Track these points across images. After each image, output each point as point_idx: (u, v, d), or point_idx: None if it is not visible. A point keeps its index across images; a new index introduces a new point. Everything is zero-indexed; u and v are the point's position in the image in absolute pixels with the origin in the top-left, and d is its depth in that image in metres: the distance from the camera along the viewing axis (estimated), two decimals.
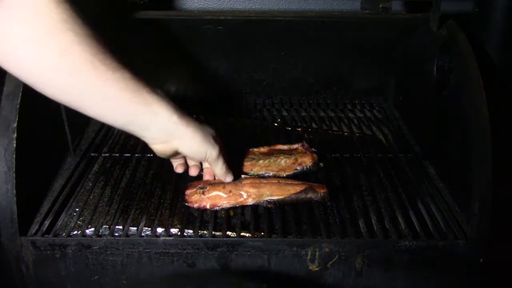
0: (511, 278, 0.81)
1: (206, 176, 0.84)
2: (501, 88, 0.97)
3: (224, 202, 0.81)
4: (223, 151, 0.78)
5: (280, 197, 0.80)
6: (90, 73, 0.60)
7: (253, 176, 0.86)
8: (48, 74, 0.59)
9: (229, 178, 0.82)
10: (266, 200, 0.80)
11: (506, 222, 0.80)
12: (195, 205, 0.81)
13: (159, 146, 0.72)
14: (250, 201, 0.81)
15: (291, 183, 0.83)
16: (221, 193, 0.81)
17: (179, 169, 0.83)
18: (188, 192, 0.83)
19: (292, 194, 0.80)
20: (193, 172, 0.83)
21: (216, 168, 0.80)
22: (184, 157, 0.82)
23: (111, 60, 0.61)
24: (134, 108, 0.65)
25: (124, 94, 0.63)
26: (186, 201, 0.82)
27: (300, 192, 0.80)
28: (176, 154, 0.76)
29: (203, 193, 0.81)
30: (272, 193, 0.81)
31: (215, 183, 0.82)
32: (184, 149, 0.73)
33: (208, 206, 0.81)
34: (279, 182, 0.83)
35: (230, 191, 0.81)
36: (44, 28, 0.56)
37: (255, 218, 0.80)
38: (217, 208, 0.81)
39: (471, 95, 0.79)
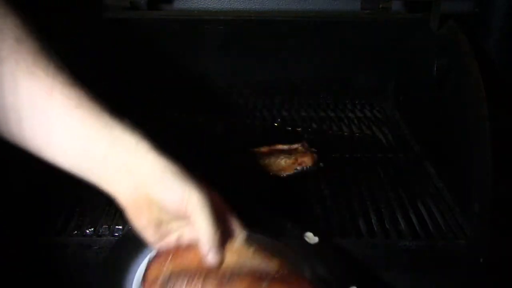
0: (511, 278, 0.81)
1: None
2: (501, 88, 0.97)
3: None
4: (216, 201, 0.53)
5: None
6: (30, 84, 0.47)
7: (251, 271, 0.53)
8: None
9: (211, 255, 0.52)
10: None
11: (506, 222, 0.79)
12: None
13: (126, 198, 0.52)
14: None
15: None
16: None
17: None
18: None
19: None
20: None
21: (201, 223, 0.51)
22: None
23: (57, 68, 0.48)
24: (85, 132, 0.49)
25: (73, 111, 0.48)
26: None
27: None
28: (151, 213, 0.52)
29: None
30: None
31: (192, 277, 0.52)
32: (157, 197, 0.51)
33: None
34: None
35: None
36: None
37: None
38: None
39: (471, 95, 0.79)
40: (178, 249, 0.55)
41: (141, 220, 0.52)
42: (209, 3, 1.11)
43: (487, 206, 0.75)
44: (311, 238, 0.68)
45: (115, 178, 0.51)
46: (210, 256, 0.52)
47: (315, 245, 0.67)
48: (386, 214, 0.81)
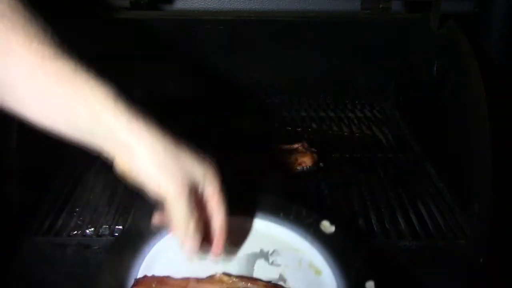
0: (511, 278, 0.81)
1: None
2: (501, 88, 0.97)
3: None
4: (199, 196, 0.54)
5: None
6: (22, 59, 0.48)
7: (230, 278, 0.59)
8: None
9: (188, 242, 0.53)
10: None
11: (506, 222, 0.79)
12: None
13: (119, 164, 0.53)
14: None
15: None
16: None
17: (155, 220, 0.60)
18: None
19: None
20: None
21: (174, 212, 0.52)
22: None
23: (45, 42, 0.49)
24: (69, 104, 0.49)
25: (55, 85, 0.49)
26: None
27: None
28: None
29: None
30: None
31: None
32: (133, 168, 0.52)
33: None
34: None
35: None
36: None
37: None
38: None
39: (471, 95, 0.79)
40: (160, 280, 0.58)
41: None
42: (209, 3, 1.11)
43: (487, 206, 0.75)
44: (327, 227, 0.66)
45: (108, 153, 0.52)
46: (185, 245, 0.53)
47: (330, 234, 0.66)
48: (386, 214, 0.81)
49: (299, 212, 0.69)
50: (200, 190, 0.55)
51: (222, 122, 1.14)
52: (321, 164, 0.90)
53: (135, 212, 0.80)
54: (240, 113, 1.17)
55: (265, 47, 1.13)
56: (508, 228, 0.80)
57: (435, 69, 0.93)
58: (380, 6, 1.00)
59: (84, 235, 0.76)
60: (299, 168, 0.89)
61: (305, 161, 0.89)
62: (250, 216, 0.69)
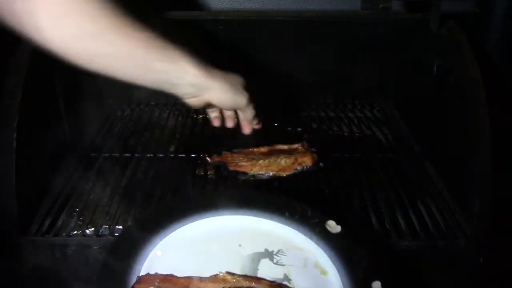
0: (511, 278, 0.81)
1: (245, 129, 0.85)
2: (501, 88, 0.97)
3: None
4: (252, 98, 0.80)
5: None
6: (119, 36, 0.62)
7: (234, 277, 0.60)
8: (83, 42, 0.61)
9: (255, 125, 0.85)
10: None
11: (506, 222, 0.79)
12: None
13: (192, 100, 0.74)
14: None
15: None
16: None
17: (215, 123, 0.86)
18: None
19: None
20: (229, 123, 0.86)
21: (246, 115, 0.82)
22: (219, 108, 0.84)
23: (134, 22, 0.63)
24: (163, 66, 0.67)
25: (151, 54, 0.65)
26: None
27: None
28: (209, 105, 0.78)
29: None
30: None
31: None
32: (214, 100, 0.75)
33: None
34: None
35: None
36: (76, 1, 0.59)
37: None
38: None
39: (471, 95, 0.79)
40: (163, 279, 0.59)
41: (201, 107, 0.78)
42: (210, 3, 1.11)
43: (487, 206, 0.75)
44: (333, 227, 0.66)
45: (185, 93, 0.73)
46: (249, 129, 0.85)
47: (336, 234, 0.65)
48: (386, 214, 0.81)
49: (304, 212, 0.68)
50: None
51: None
52: (321, 164, 0.90)
53: (137, 211, 0.80)
54: None
55: (265, 47, 1.13)
56: (508, 228, 0.80)
57: (435, 69, 0.93)
58: (380, 6, 1.00)
59: (84, 235, 0.76)
60: (299, 168, 0.89)
61: (305, 161, 0.89)
62: (256, 215, 0.69)
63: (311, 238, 0.65)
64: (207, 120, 1.14)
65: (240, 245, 0.65)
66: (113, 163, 0.96)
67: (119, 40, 0.62)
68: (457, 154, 0.86)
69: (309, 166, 0.89)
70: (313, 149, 0.93)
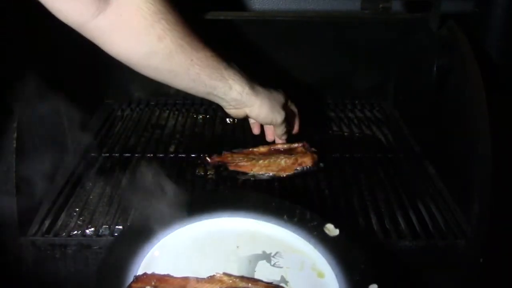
0: (511, 278, 0.81)
1: (268, 134, 0.94)
2: (501, 88, 0.97)
3: None
4: (291, 116, 0.91)
5: None
6: (179, 54, 0.70)
7: (230, 278, 0.60)
8: (148, 58, 0.70)
9: (284, 137, 0.93)
10: None
11: (506, 222, 0.79)
12: None
13: (233, 110, 0.84)
14: None
15: None
16: None
17: (255, 130, 0.94)
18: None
19: None
20: (269, 136, 0.94)
21: (277, 130, 0.91)
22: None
23: (197, 41, 0.73)
24: (212, 83, 0.76)
25: (205, 72, 0.74)
26: None
27: None
28: (248, 116, 0.87)
29: None
30: None
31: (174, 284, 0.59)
32: (253, 115, 0.85)
33: None
34: None
35: None
36: (145, 20, 0.67)
37: None
38: None
39: (471, 95, 0.79)
40: (160, 278, 0.59)
41: (240, 118, 0.87)
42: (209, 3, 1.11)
43: (487, 206, 0.75)
44: (331, 230, 0.66)
45: (229, 105, 0.82)
46: (281, 140, 0.94)
47: (334, 237, 0.65)
48: (386, 214, 0.81)
49: (303, 214, 0.69)
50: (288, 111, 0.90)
51: (221, 121, 1.14)
52: (321, 164, 0.90)
53: (136, 211, 0.80)
54: None
55: (265, 47, 1.13)
56: (508, 228, 0.80)
57: (435, 69, 0.93)
58: (380, 6, 1.00)
59: (84, 235, 0.76)
60: (299, 168, 0.89)
61: (305, 161, 0.89)
62: (254, 218, 0.69)
63: (309, 241, 0.65)
64: (207, 120, 1.15)
65: (238, 246, 0.65)
66: (113, 163, 0.96)
67: (180, 58, 0.71)
68: (457, 154, 0.86)
69: (309, 167, 0.89)
70: (313, 149, 0.93)
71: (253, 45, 1.12)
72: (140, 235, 0.65)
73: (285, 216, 0.68)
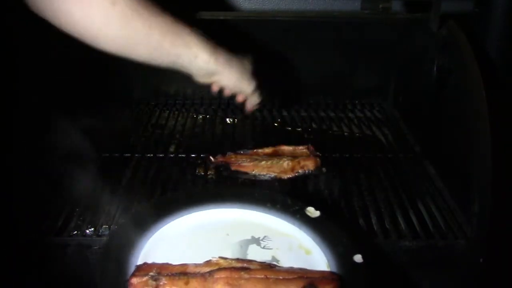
0: (511, 278, 0.81)
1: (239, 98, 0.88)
2: (501, 88, 0.97)
3: None
4: (257, 86, 0.86)
5: None
6: (136, 19, 0.66)
7: (231, 267, 0.61)
8: (102, 25, 0.65)
9: (253, 107, 0.89)
10: None
11: (506, 222, 0.79)
12: None
13: (201, 79, 0.79)
14: None
15: (283, 279, 0.60)
16: None
17: (214, 88, 0.86)
18: (134, 281, 0.58)
19: None
20: (226, 94, 0.87)
21: (250, 100, 0.87)
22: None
23: (154, 7, 0.68)
24: (176, 50, 0.71)
25: (166, 38, 0.69)
26: None
27: None
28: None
29: (156, 286, 0.58)
30: None
31: (174, 275, 0.59)
32: (221, 83, 0.81)
33: None
34: (266, 277, 0.60)
35: None
36: None
37: None
38: None
39: (471, 95, 0.79)
40: (160, 267, 0.61)
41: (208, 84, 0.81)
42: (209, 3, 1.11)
43: (487, 206, 0.75)
44: (312, 212, 0.71)
45: (196, 74, 0.77)
46: (251, 108, 0.88)
47: (316, 218, 0.70)
48: (386, 214, 0.81)
49: (284, 201, 0.73)
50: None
51: (221, 121, 1.14)
52: (323, 169, 0.90)
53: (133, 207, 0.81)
54: (240, 113, 1.17)
55: (265, 47, 1.13)
56: (508, 228, 0.80)
57: (435, 69, 0.93)
58: (380, 6, 1.00)
59: (84, 235, 0.76)
60: (300, 171, 0.88)
61: (308, 165, 0.89)
62: (239, 207, 0.73)
63: (293, 224, 0.70)
64: (207, 120, 1.15)
65: (227, 234, 0.69)
66: (113, 163, 0.96)
67: (137, 23, 0.66)
68: (457, 154, 0.86)
69: (311, 170, 0.89)
70: (317, 153, 0.93)
71: (253, 45, 1.12)
72: (136, 229, 0.67)
73: (268, 204, 0.73)
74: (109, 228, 0.78)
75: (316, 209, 0.71)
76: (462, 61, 0.83)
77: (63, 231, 0.77)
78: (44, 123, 0.87)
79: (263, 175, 0.88)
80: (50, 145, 0.91)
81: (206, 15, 1.05)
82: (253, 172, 0.89)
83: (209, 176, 0.91)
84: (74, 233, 0.77)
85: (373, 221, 0.79)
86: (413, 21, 1.04)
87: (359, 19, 1.07)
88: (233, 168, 0.90)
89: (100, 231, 0.77)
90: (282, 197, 0.74)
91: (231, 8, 1.12)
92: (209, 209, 0.73)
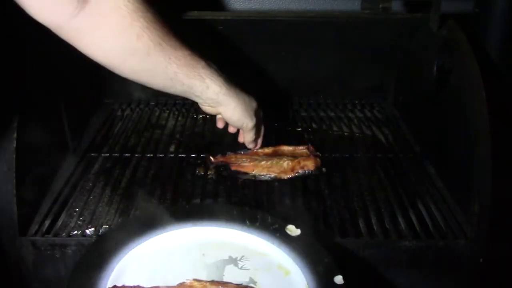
0: (511, 278, 0.81)
1: (240, 137, 0.92)
2: (501, 88, 0.97)
3: None
4: (259, 124, 0.90)
5: None
6: (158, 53, 0.69)
7: (200, 283, 0.61)
8: (127, 57, 0.69)
9: (251, 145, 0.93)
10: None
11: (506, 222, 0.80)
12: None
13: (207, 108, 0.83)
14: None
15: None
16: None
17: (219, 124, 0.91)
18: None
19: None
20: (231, 130, 0.92)
21: (247, 137, 0.90)
22: None
23: (175, 40, 0.71)
24: (190, 81, 0.75)
25: (183, 70, 0.73)
26: None
27: None
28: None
29: None
30: None
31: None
32: (226, 116, 0.84)
33: None
34: None
35: None
36: (123, 18, 0.65)
37: None
38: None
39: (471, 95, 0.79)
40: None
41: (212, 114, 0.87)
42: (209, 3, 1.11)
43: (487, 206, 0.75)
44: (293, 230, 0.69)
45: (204, 103, 0.82)
46: (251, 146, 0.93)
47: (297, 237, 0.68)
48: (386, 214, 0.81)
49: (264, 219, 0.71)
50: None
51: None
52: (323, 169, 0.90)
53: (136, 212, 0.81)
54: None
55: (265, 47, 1.13)
56: (508, 228, 0.80)
57: (435, 69, 0.93)
58: (380, 6, 1.00)
59: (84, 235, 0.76)
60: (300, 171, 0.88)
61: (308, 165, 0.89)
62: (217, 226, 0.70)
63: (272, 243, 0.67)
64: (207, 120, 1.14)
65: (203, 254, 0.66)
66: (113, 163, 0.96)
67: (158, 57, 0.70)
68: (457, 154, 0.86)
69: (311, 170, 0.89)
70: (317, 154, 0.93)
71: (253, 45, 1.12)
72: (107, 248, 0.65)
73: (247, 222, 0.70)
74: (109, 228, 0.77)
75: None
76: (462, 61, 0.83)
77: (63, 231, 0.77)
78: (43, 121, 0.87)
79: (263, 175, 0.88)
80: (50, 144, 0.91)
81: (206, 15, 1.05)
82: (253, 172, 0.89)
83: (209, 176, 0.91)
84: (74, 233, 0.77)
85: (373, 221, 0.79)
86: (413, 21, 1.04)
87: (359, 19, 1.07)
88: (233, 168, 0.90)
89: (100, 231, 0.77)
90: (262, 215, 0.72)
91: (231, 8, 1.12)
92: (184, 227, 0.70)
